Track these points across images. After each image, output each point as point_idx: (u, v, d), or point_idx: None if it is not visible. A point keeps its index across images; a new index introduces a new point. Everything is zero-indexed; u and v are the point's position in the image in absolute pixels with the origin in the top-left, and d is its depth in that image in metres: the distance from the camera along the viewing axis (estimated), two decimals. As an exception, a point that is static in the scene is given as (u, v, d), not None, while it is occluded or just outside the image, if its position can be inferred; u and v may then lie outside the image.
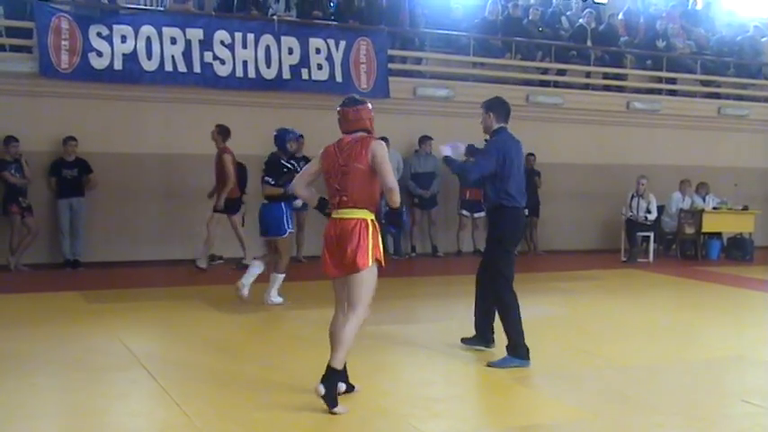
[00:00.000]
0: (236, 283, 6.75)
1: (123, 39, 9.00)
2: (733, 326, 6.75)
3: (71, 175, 8.96)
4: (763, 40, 13.84)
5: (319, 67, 9.93)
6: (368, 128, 4.24)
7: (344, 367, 4.17)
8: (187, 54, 9.27)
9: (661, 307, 7.62)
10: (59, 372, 4.73)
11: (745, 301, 8.17)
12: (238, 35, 9.52)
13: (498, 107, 5.14)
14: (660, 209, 11.17)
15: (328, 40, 10.00)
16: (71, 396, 4.39)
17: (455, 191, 10.64)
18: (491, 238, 5.22)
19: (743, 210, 11.54)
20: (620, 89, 12.34)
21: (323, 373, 4.01)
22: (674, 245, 11.63)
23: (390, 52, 10.52)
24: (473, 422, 4.19)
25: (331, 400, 3.98)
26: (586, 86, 12.21)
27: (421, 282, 8.94)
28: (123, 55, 9.00)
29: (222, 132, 8.43)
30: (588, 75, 12.33)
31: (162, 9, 9.80)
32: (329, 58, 9.98)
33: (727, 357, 5.52)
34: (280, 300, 6.89)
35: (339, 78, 10.01)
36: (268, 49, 9.65)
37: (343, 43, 10.06)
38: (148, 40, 9.09)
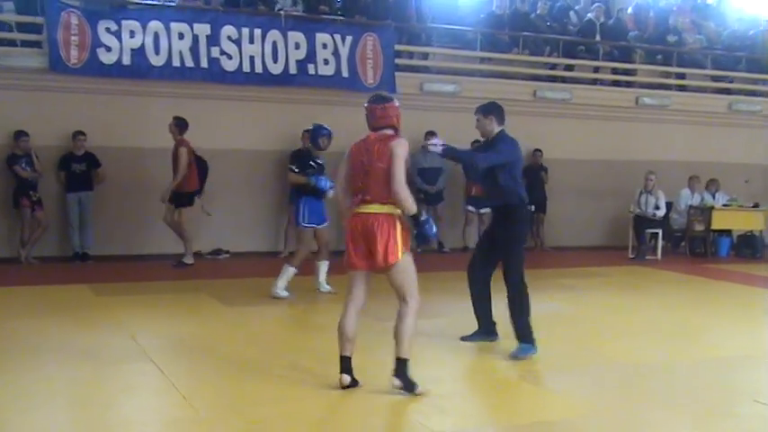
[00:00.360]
0: (316, 287, 6.96)
1: (131, 34, 9.04)
2: (743, 324, 6.67)
3: (80, 169, 9.00)
4: (775, 34, 13.72)
5: (326, 62, 9.91)
6: (395, 125, 4.25)
7: (350, 361, 4.20)
8: (194, 49, 9.29)
9: (669, 304, 7.55)
10: (68, 364, 4.75)
11: (755, 299, 8.11)
12: (245, 30, 9.52)
13: (498, 110, 5.23)
14: (669, 205, 11.06)
15: (335, 36, 9.98)
16: (79, 388, 4.42)
17: (461, 187, 10.61)
18: (505, 237, 5.20)
19: (753, 207, 11.44)
20: (628, 84, 12.23)
21: (393, 367, 4.10)
22: (683, 242, 11.54)
23: (397, 47, 10.49)
24: (479, 418, 4.20)
25: (409, 385, 4.10)
26: (595, 82, 12.11)
27: (427, 277, 8.82)
28: (131, 50, 9.02)
29: (179, 125, 8.49)
30: (597, 70, 12.22)
31: (172, 4, 9.81)
32: (336, 54, 9.96)
33: (737, 356, 5.47)
34: (285, 294, 6.83)
35: (345, 73, 10.00)
36: (275, 44, 9.64)
37: (349, 38, 10.04)
38: (156, 35, 9.11)
